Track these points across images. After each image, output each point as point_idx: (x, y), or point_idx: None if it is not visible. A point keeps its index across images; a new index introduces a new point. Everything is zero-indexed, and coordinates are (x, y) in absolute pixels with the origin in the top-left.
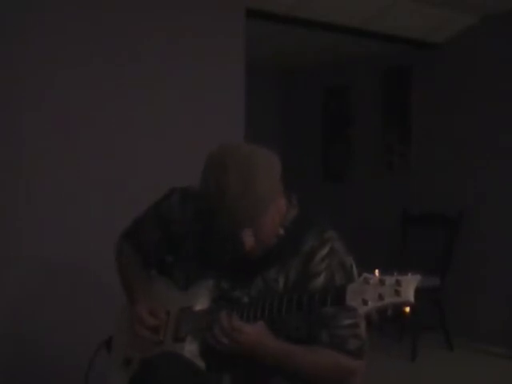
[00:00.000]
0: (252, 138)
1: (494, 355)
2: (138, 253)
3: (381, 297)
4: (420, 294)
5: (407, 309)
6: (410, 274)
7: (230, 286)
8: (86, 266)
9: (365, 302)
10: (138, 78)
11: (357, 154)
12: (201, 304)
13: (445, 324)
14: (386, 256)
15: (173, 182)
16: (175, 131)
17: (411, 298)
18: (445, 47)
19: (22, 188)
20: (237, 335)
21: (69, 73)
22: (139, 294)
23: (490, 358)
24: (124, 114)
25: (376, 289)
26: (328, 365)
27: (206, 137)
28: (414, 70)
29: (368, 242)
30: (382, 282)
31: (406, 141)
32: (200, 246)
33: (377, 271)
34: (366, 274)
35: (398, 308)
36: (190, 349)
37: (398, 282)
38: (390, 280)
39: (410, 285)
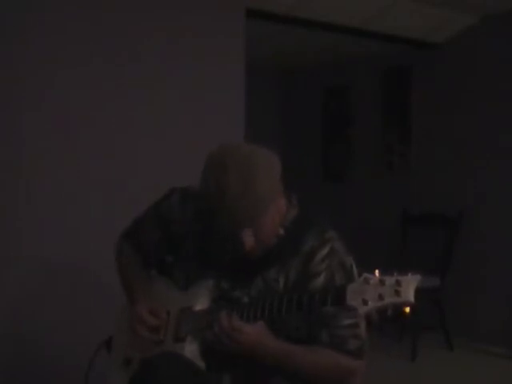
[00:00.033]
0: (252, 138)
1: (494, 355)
2: (138, 253)
3: (381, 297)
4: (420, 294)
5: (407, 309)
6: (409, 274)
7: (230, 285)
8: (86, 266)
9: (365, 302)
10: (137, 78)
11: (357, 154)
12: (201, 304)
13: (445, 324)
14: (385, 256)
15: (173, 182)
16: (175, 131)
17: (411, 298)
18: (445, 47)
19: (22, 188)
20: (237, 335)
21: (69, 73)
22: (139, 294)
23: (490, 358)
24: (124, 114)
25: (376, 289)
26: (328, 365)
27: (206, 137)
28: (414, 69)
29: (368, 242)
30: (382, 282)
31: (406, 141)
32: (200, 246)
33: (377, 271)
34: (366, 274)
35: (398, 308)
36: (190, 349)
37: (398, 282)
38: (390, 280)
39: (410, 285)
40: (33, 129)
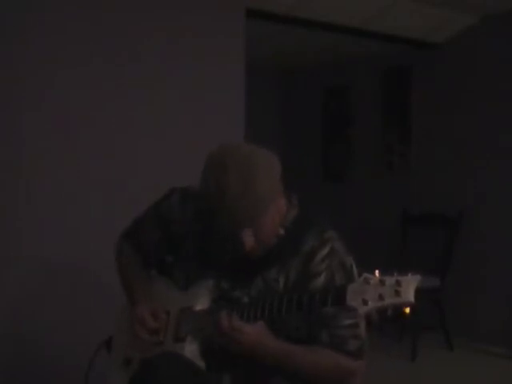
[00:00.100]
0: (252, 138)
1: (494, 355)
2: (138, 253)
3: (381, 297)
4: (420, 294)
5: (407, 309)
6: (410, 275)
7: (230, 285)
8: (86, 266)
9: (365, 302)
10: (137, 78)
11: (357, 154)
12: (201, 304)
13: (445, 324)
14: (386, 256)
15: (173, 182)
16: (175, 131)
17: (411, 298)
18: (445, 47)
19: (22, 188)
20: (237, 335)
21: (69, 73)
22: (139, 295)
23: (490, 358)
24: (124, 114)
25: (376, 289)
26: (328, 365)
27: (206, 137)
28: (414, 69)
29: (368, 242)
30: (382, 283)
31: (406, 141)
32: (200, 245)
33: (377, 271)
34: (366, 274)
35: (398, 308)
36: (191, 349)
37: (398, 283)
38: (390, 280)
39: (410, 285)
40: (33, 129)
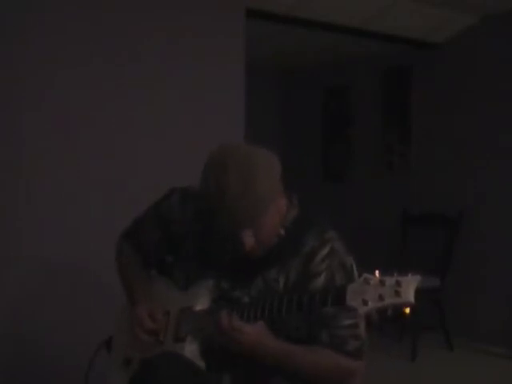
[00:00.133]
0: (252, 138)
1: (494, 355)
2: (138, 253)
3: (381, 297)
4: (420, 294)
5: (407, 309)
6: (410, 275)
7: (230, 286)
8: (86, 266)
9: (365, 303)
10: (137, 78)
11: (357, 154)
12: (201, 304)
13: (445, 324)
14: (386, 256)
15: (173, 182)
16: (175, 131)
17: (411, 298)
18: (445, 47)
19: (22, 188)
20: (237, 335)
21: (69, 73)
22: (139, 295)
23: (490, 358)
24: (124, 114)
25: (376, 289)
26: (328, 365)
27: (206, 137)
28: (414, 69)
29: (368, 242)
30: (382, 283)
31: (406, 141)
32: (200, 245)
33: (377, 271)
34: (366, 275)
35: (398, 309)
36: (191, 349)
37: (398, 283)
38: (390, 281)
39: (410, 285)
40: (33, 129)
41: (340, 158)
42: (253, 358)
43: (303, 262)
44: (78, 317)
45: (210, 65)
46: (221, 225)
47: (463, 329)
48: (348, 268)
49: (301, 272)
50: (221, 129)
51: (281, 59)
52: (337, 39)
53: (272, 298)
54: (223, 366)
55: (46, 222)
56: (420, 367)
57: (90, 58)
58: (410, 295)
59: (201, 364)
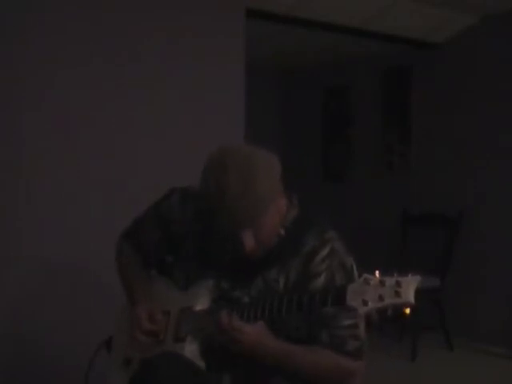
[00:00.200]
0: (252, 138)
1: (494, 355)
2: (138, 253)
3: (381, 298)
4: (420, 294)
5: (407, 310)
6: (410, 275)
7: (230, 286)
8: (86, 266)
9: (365, 303)
10: (137, 78)
11: (357, 154)
12: (201, 304)
13: (445, 324)
14: (386, 256)
15: (173, 182)
16: (175, 131)
17: (411, 299)
18: (445, 47)
19: (22, 188)
20: (237, 335)
21: (69, 73)
22: (139, 295)
23: (490, 358)
24: (124, 114)
25: (376, 290)
26: (328, 365)
27: (206, 137)
28: (414, 69)
29: (368, 242)
30: (382, 283)
31: (406, 141)
32: (200, 245)
33: (377, 272)
34: (366, 275)
35: (398, 309)
36: (191, 349)
37: (398, 283)
38: (390, 281)
39: (410, 286)
40: (33, 129)
41: (340, 157)
42: (253, 358)
43: (303, 262)
44: (78, 317)
45: (210, 65)
46: (221, 225)
47: (463, 329)
48: (348, 268)
49: (301, 272)
50: (221, 129)
51: (281, 59)
52: (337, 39)
53: (272, 298)
54: (223, 365)
55: (45, 222)
56: (420, 367)
57: (89, 58)
58: (410, 295)
59: (201, 364)
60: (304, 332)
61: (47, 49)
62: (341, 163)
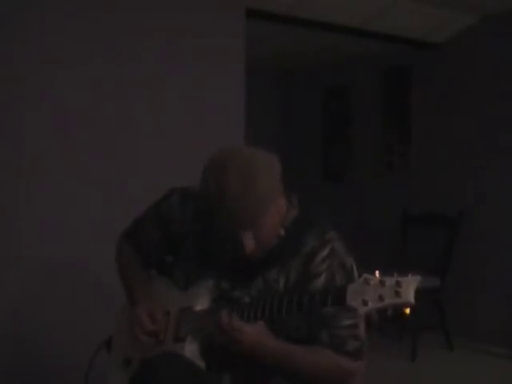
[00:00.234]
0: (252, 138)
1: (494, 355)
2: (138, 253)
3: (381, 298)
4: (420, 294)
5: (407, 310)
6: (410, 275)
7: (230, 286)
8: (86, 266)
9: (365, 303)
10: (137, 78)
11: (357, 154)
12: (201, 304)
13: (445, 324)
14: (386, 256)
15: (173, 182)
16: (175, 131)
17: (411, 299)
18: (445, 47)
19: (22, 188)
20: (237, 335)
21: (69, 73)
22: (139, 295)
23: (490, 358)
24: (124, 114)
25: (376, 290)
26: (328, 365)
27: (206, 137)
28: (414, 69)
29: (368, 242)
30: (382, 283)
31: (406, 141)
32: (200, 245)
33: (377, 272)
34: (366, 275)
35: (398, 309)
36: (191, 349)
37: (398, 283)
38: (390, 281)
39: (410, 286)
40: (33, 129)
41: (340, 157)
42: (253, 358)
43: (303, 262)
44: (78, 317)
45: (210, 65)
46: (221, 225)
47: (463, 329)
48: (348, 268)
49: (301, 272)
50: (221, 129)
51: (281, 59)
52: (337, 39)
53: (272, 298)
54: (223, 365)
55: (46, 222)
56: (420, 367)
57: (90, 58)
58: (410, 295)
59: (201, 364)
60: (304, 332)
61: (47, 49)
62: (341, 163)
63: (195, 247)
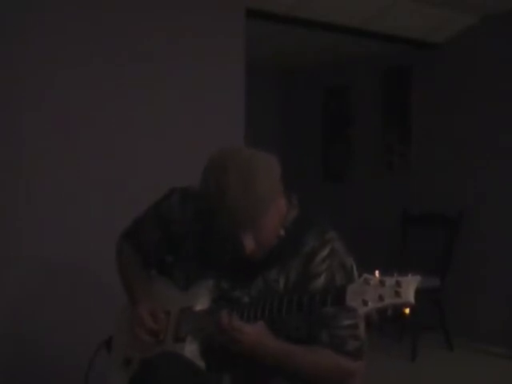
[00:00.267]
0: (252, 138)
1: (494, 355)
2: (138, 253)
3: (381, 298)
4: (420, 294)
5: (407, 310)
6: (410, 275)
7: (230, 286)
8: (86, 266)
9: (365, 303)
10: (137, 78)
11: (357, 154)
12: (201, 304)
13: (445, 324)
14: (386, 256)
15: (173, 182)
16: (175, 131)
17: (411, 299)
18: (445, 47)
19: (22, 188)
20: (237, 335)
21: (69, 73)
22: (140, 295)
23: (490, 358)
24: (124, 114)
25: (376, 290)
26: (328, 365)
27: (206, 137)
28: (414, 69)
29: (368, 242)
30: (382, 283)
31: (406, 141)
32: (200, 245)
33: (377, 272)
34: (366, 275)
35: (398, 309)
36: (191, 349)
37: (398, 283)
38: (390, 281)
39: (410, 286)
40: (33, 129)
41: (340, 157)
42: (253, 358)
43: (303, 262)
44: (78, 317)
45: (209, 65)
46: (221, 225)
47: (463, 329)
48: (348, 268)
49: (301, 272)
50: (221, 129)
51: (281, 59)
52: (337, 39)
53: (272, 298)
54: (223, 365)
55: (46, 222)
56: (420, 367)
57: (90, 58)
58: (409, 295)
59: (201, 364)
60: (304, 332)
61: (47, 49)
62: (341, 163)
63: (195, 247)
